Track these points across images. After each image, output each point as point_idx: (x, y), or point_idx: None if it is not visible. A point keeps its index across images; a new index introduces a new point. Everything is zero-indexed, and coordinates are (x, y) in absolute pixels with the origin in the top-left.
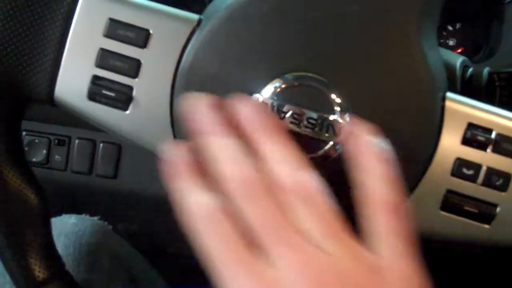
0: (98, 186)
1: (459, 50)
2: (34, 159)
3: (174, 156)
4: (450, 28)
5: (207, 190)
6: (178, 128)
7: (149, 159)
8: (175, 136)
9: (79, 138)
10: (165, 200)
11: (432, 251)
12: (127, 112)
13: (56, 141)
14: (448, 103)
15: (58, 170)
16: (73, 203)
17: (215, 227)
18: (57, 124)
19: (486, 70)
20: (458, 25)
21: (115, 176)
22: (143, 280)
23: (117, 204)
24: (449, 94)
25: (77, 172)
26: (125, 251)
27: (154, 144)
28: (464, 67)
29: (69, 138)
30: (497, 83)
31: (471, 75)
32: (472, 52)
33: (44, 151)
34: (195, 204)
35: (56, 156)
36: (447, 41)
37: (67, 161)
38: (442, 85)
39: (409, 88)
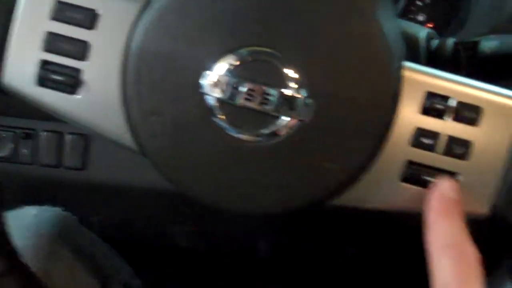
0: (67, 179)
1: (429, 25)
2: (1, 154)
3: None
4: (419, 3)
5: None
6: (131, 110)
7: (117, 149)
8: (127, 118)
9: (46, 131)
10: (137, 190)
11: (395, 225)
12: (78, 96)
13: (23, 134)
14: (405, 73)
15: (26, 164)
16: (41, 197)
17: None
18: (23, 118)
19: (451, 41)
20: (427, 0)
21: (84, 168)
22: (108, 269)
23: (88, 195)
24: (406, 63)
25: (45, 165)
26: (88, 241)
27: (106, 128)
28: (430, 39)
29: (35, 131)
30: (462, 54)
31: (437, 47)
32: (442, 26)
33: (11, 146)
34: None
35: (23, 150)
36: (416, 17)
37: (34, 155)
38: (399, 54)
39: (365, 59)
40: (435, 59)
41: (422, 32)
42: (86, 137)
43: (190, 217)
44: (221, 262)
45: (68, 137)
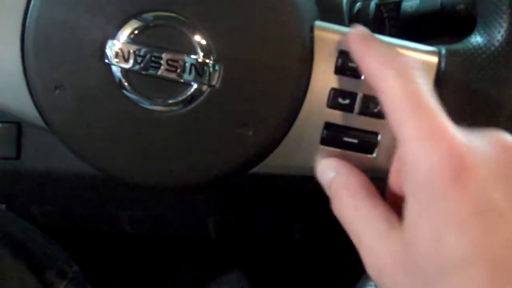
0: (1, 169)
1: None
2: None
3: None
4: None
5: None
6: (33, 85)
7: (52, 136)
8: (30, 93)
9: None
10: (77, 178)
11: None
12: None
13: None
14: (317, 32)
15: None
16: None
17: None
18: None
19: (373, 3)
20: None
21: (18, 157)
22: (40, 256)
23: (25, 186)
24: (317, 23)
25: None
26: (19, 228)
27: (9, 105)
28: (353, 2)
29: None
30: (385, 15)
31: (359, 9)
32: None
33: None
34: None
35: None
36: None
37: None
38: (309, 14)
39: (273, 21)
40: (359, 22)
41: None
42: (19, 125)
43: (135, 201)
44: (169, 247)
45: None
